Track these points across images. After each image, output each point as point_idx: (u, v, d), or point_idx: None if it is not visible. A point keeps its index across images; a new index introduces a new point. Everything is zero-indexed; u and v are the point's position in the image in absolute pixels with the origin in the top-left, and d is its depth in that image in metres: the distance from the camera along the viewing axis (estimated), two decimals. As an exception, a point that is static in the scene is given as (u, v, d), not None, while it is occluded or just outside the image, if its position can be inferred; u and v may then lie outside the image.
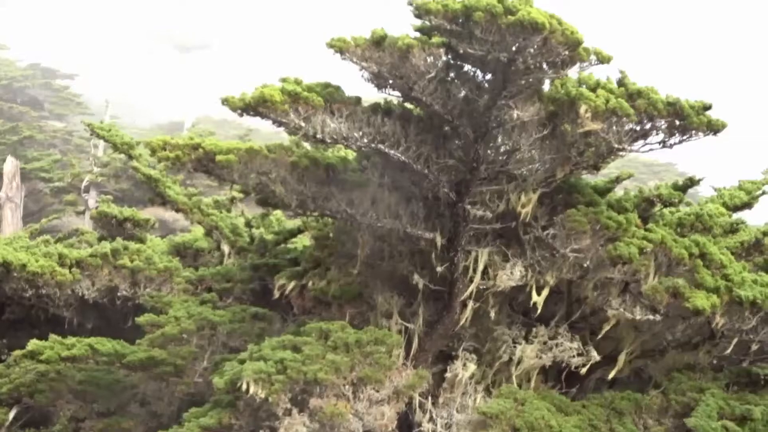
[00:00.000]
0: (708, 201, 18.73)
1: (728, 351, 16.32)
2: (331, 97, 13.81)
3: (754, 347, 16.44)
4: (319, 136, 13.89)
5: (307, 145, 15.52)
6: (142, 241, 23.50)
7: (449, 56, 13.97)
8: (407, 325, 15.91)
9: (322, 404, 13.62)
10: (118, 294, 20.52)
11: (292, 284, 16.96)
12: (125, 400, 18.45)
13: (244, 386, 13.48)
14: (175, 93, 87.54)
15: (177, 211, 22.36)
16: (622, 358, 16.23)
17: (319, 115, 13.70)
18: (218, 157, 14.34)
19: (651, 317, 15.47)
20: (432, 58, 13.60)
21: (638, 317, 15.46)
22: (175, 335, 16.63)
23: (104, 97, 58.56)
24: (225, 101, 13.82)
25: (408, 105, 14.94)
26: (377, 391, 14.16)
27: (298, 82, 13.77)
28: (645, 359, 16.88)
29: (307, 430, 13.60)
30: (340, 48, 13.43)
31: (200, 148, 14.49)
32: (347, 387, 13.93)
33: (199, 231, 23.43)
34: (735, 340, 16.12)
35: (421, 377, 14.80)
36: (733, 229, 18.36)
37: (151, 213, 29.36)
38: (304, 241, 19.95)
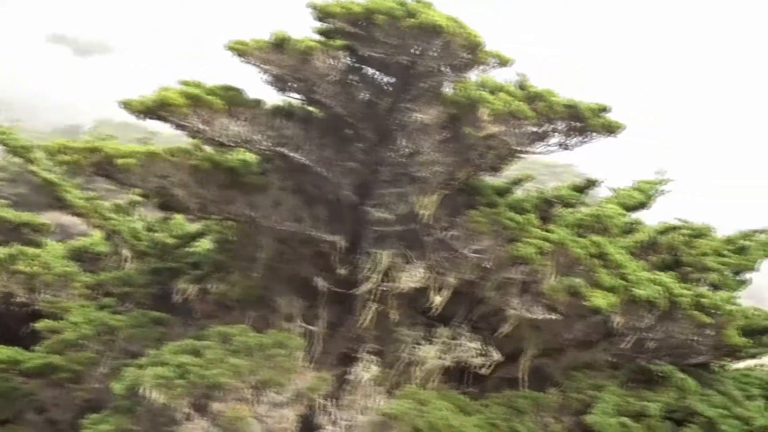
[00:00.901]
0: (606, 201, 19.34)
1: (625, 349, 16.88)
2: (233, 100, 13.94)
3: (651, 345, 17.05)
4: (220, 139, 14.05)
5: (208, 149, 15.59)
6: (39, 245, 23.19)
7: (351, 59, 14.24)
8: (309, 327, 16.04)
9: (224, 408, 13.67)
10: (15, 300, 20.21)
11: (192, 288, 16.95)
12: (22, 407, 18.17)
13: (144, 392, 13.44)
14: (76, 96, 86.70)
15: (76, 215, 22.13)
16: (524, 359, 16.69)
17: (221, 119, 13.84)
18: (118, 161, 14.33)
19: (550, 316, 15.89)
20: (333, 60, 13.87)
21: (538, 317, 15.86)
22: (74, 341, 16.48)
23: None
24: (125, 104, 13.83)
25: (310, 108, 15.15)
26: (279, 395, 14.25)
27: (199, 86, 13.88)
28: (544, 358, 17.29)
29: (208, 434, 13.66)
30: (240, 51, 13.60)
31: (99, 152, 14.45)
32: (249, 391, 13.97)
33: (98, 235, 23.20)
34: (632, 338, 16.70)
35: (323, 380, 14.97)
36: (630, 229, 19.02)
37: (49, 217, 28.92)
38: (205, 244, 19.95)
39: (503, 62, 14.53)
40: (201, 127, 13.79)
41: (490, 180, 17.21)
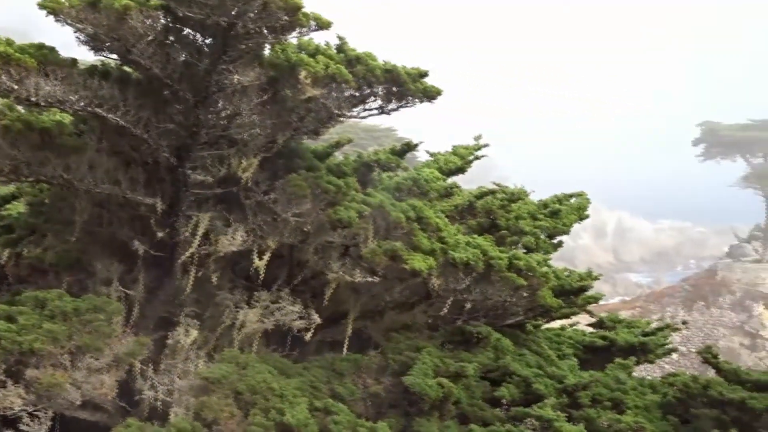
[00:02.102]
0: (424, 166, 20.31)
1: (444, 311, 17.92)
2: (45, 58, 13.80)
3: (468, 306, 18.17)
4: (32, 99, 13.84)
5: (20, 109, 15.52)
6: None
7: (168, 19, 14.32)
8: (128, 292, 16.31)
9: (39, 375, 13.90)
10: None
11: (6, 252, 16.91)
12: None
13: (-46, 360, 13.45)
14: None
15: None
16: (349, 321, 17.45)
17: (33, 78, 13.67)
18: None
19: (370, 279, 16.68)
20: (150, 20, 13.92)
21: (358, 280, 16.62)
22: None
23: None
24: (-71, 62, 13.69)
25: (127, 68, 15.25)
26: (97, 360, 14.54)
27: (9, 43, 13.74)
28: (365, 321, 18.09)
29: (22, 402, 13.79)
30: (52, 9, 13.43)
31: None
32: (65, 356, 14.23)
33: None
34: (450, 300, 17.81)
35: (141, 344, 15.31)
36: (447, 193, 19.99)
37: None
38: (19, 207, 19.76)
39: (322, 25, 14.81)
40: (12, 86, 13.56)
41: (311, 143, 17.81)
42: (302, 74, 14.99)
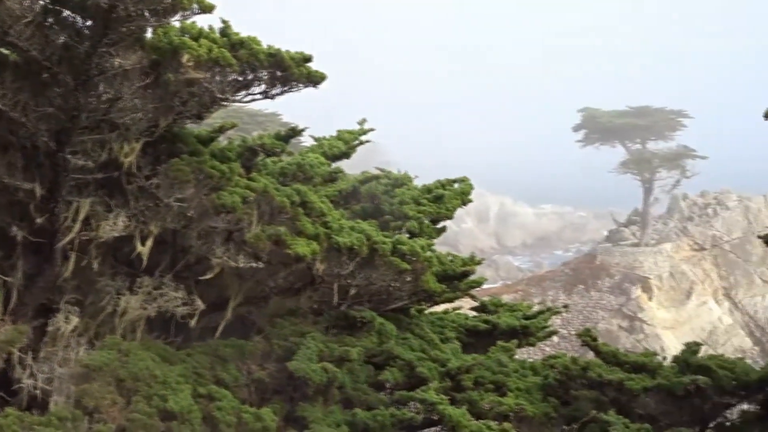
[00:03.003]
0: (309, 151, 20.45)
1: (334, 299, 18.14)
2: None
3: (352, 291, 18.44)
4: None
5: None
6: None
7: (47, 0, 14.14)
8: (6, 279, 15.98)
9: None
10: None
11: None
12: None
13: None
14: None
15: None
16: (230, 307, 17.49)
17: None
18: None
19: (254, 265, 16.73)
20: (28, 1, 13.73)
21: (242, 265, 16.66)
22: None
23: None
24: None
25: (4, 50, 14.94)
26: None
27: None
28: (249, 306, 18.19)
29: None
30: None
31: None
32: None
33: None
34: (335, 285, 18.03)
35: (20, 332, 15.11)
36: (332, 178, 20.23)
37: None
38: None
39: (205, 8, 14.79)
40: None
41: (194, 128, 17.75)
42: (185, 58, 14.95)
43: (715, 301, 78.86)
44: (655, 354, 20.56)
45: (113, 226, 15.88)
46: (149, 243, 16.40)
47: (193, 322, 16.97)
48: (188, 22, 15.41)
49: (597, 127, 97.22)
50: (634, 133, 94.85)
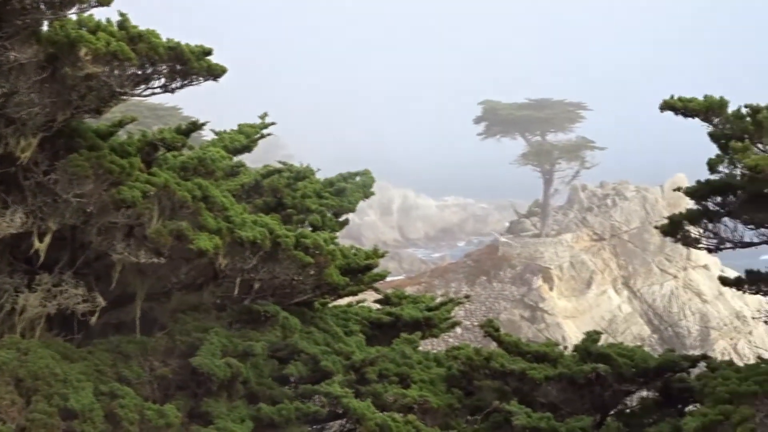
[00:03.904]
0: (210, 145, 20.36)
1: (235, 291, 18.02)
2: None
3: (255, 285, 18.48)
4: None
5: None
6: None
7: None
8: None
9: None
10: None
11: None
12: None
13: None
14: None
15: None
16: (138, 304, 17.25)
17: None
18: None
19: (156, 260, 16.51)
20: None
21: (143, 260, 16.42)
22: None
23: None
24: None
25: None
26: None
27: None
28: (151, 302, 18.02)
29: None
30: None
31: None
32: None
33: None
34: (238, 280, 18.05)
35: None
36: (234, 172, 20.23)
37: None
38: None
39: (102, 1, 14.79)
40: None
41: (93, 122, 17.58)
42: (82, 51, 14.78)
43: (614, 290, 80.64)
44: (556, 343, 21.12)
45: (10, 223, 15.59)
46: (47, 239, 16.13)
47: (93, 320, 16.72)
48: (86, 15, 15.26)
49: (497, 120, 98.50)
50: (534, 126, 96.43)
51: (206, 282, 18.35)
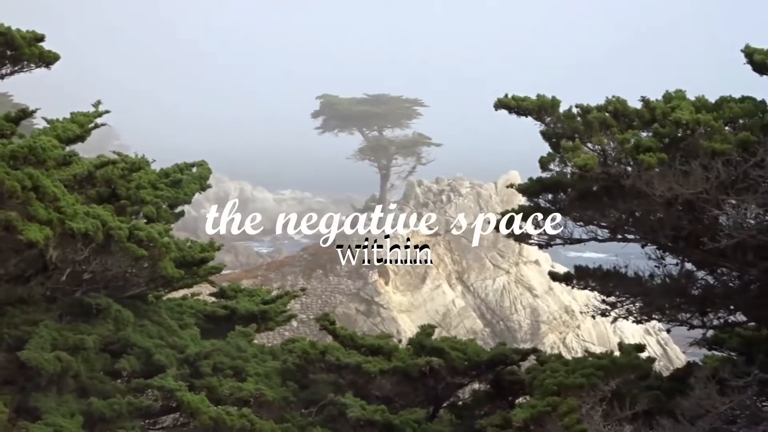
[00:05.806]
0: (41, 133, 19.84)
1: (62, 282, 17.68)
2: None
3: (87, 277, 18.08)
4: None
5: None
6: None
7: None
8: None
9: None
10: None
11: None
12: None
13: None
14: None
15: None
16: None
17: None
18: None
19: None
20: None
21: None
22: None
23: None
24: None
25: None
26: None
27: None
28: None
29: None
30: None
31: None
32: None
33: None
34: (68, 271, 17.68)
35: None
36: (66, 161, 19.73)
37: None
38: None
39: None
40: None
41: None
42: None
43: (448, 284, 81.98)
44: (391, 337, 21.48)
45: None
46: None
47: None
48: None
49: (335, 114, 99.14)
50: (372, 121, 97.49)
51: (35, 274, 17.90)
